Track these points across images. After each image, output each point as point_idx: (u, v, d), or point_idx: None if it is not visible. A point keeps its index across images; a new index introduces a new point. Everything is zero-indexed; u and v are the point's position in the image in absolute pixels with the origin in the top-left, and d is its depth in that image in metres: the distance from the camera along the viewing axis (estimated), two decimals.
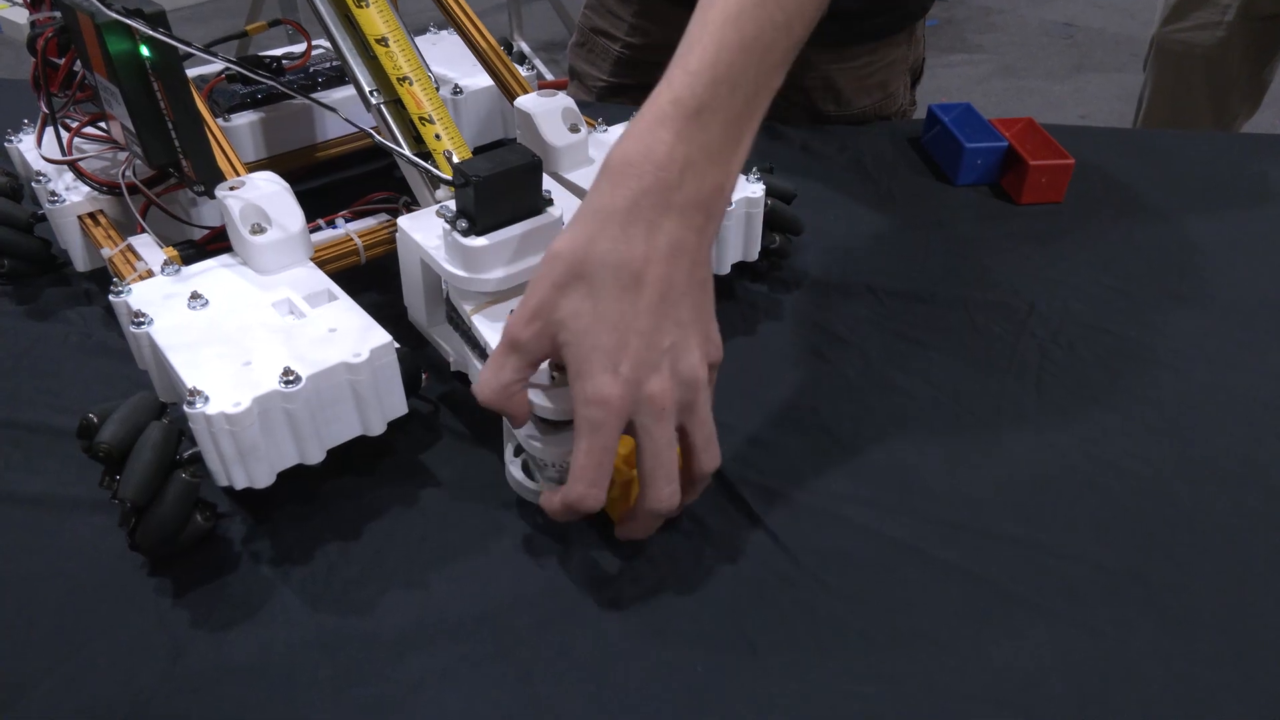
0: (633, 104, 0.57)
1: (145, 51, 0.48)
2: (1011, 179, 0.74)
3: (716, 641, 0.42)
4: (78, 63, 0.55)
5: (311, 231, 0.54)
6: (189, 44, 0.48)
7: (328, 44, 0.61)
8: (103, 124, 0.58)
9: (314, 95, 0.60)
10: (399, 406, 0.48)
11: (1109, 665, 0.41)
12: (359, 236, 0.56)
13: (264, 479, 0.44)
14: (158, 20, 0.47)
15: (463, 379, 0.53)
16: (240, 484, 0.44)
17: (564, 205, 0.49)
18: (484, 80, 0.70)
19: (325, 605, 0.43)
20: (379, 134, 0.53)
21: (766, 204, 0.60)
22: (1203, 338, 0.60)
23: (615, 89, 0.92)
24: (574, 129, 0.60)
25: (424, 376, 0.53)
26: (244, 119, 0.63)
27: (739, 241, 0.60)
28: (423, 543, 0.46)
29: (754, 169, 0.60)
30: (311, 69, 0.69)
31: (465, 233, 0.45)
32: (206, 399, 0.42)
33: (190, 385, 0.42)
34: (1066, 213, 0.73)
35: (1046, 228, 0.71)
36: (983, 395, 0.55)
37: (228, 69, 0.60)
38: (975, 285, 0.65)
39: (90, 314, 0.61)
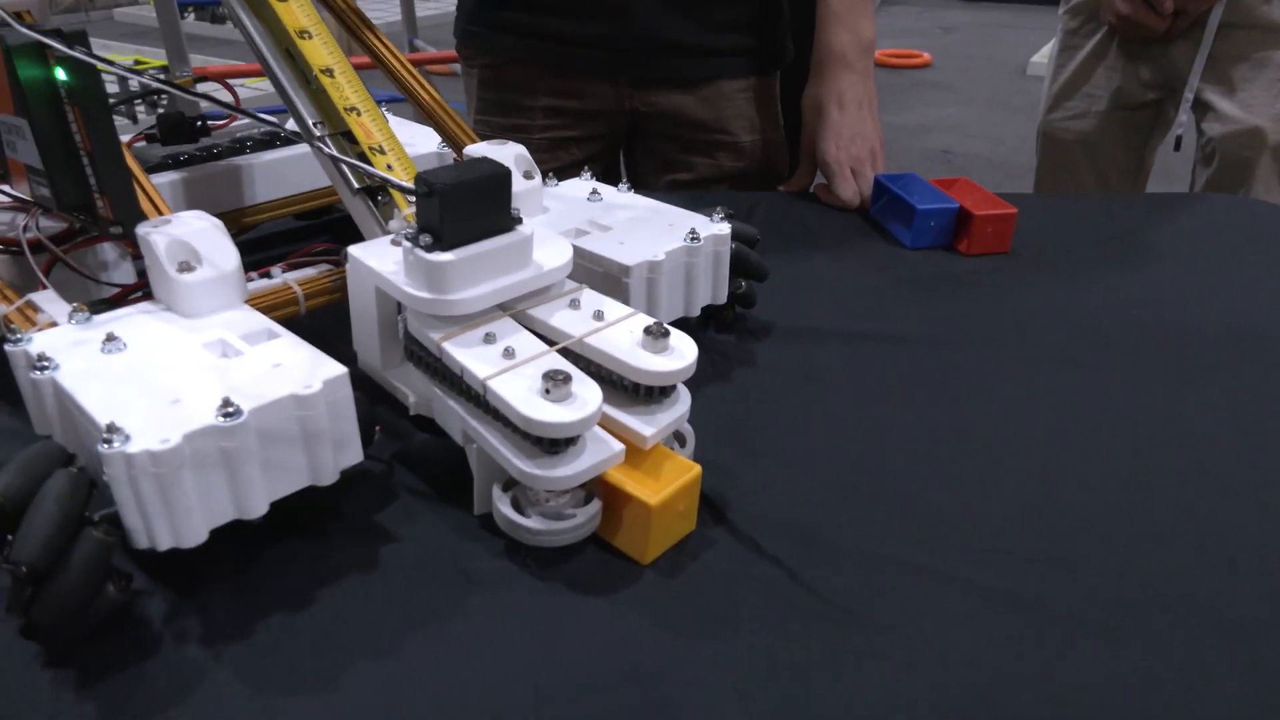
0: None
1: (62, 75, 0.43)
2: (960, 233, 0.74)
3: (750, 687, 0.36)
4: None
5: None
6: (111, 63, 0.44)
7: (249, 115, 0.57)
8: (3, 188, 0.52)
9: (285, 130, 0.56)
10: (354, 451, 0.42)
11: (1186, 681, 0.36)
12: (299, 285, 0.51)
13: (194, 536, 0.37)
14: (76, 40, 0.43)
15: (423, 424, 0.47)
16: (164, 543, 0.36)
17: (534, 228, 0.45)
18: (426, 147, 0.67)
19: (271, 685, 0.36)
20: (325, 169, 0.48)
21: (731, 246, 0.57)
22: (1206, 358, 0.59)
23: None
24: (527, 175, 0.57)
25: (378, 429, 0.46)
26: (165, 179, 0.58)
27: (708, 284, 0.57)
28: (388, 606, 0.39)
29: (718, 210, 0.58)
30: (239, 134, 0.65)
31: (429, 248, 0.41)
32: (127, 437, 0.35)
33: (106, 422, 0.35)
34: (1016, 263, 0.73)
35: (1004, 275, 0.71)
36: (980, 426, 0.52)
37: (148, 128, 0.56)
38: (946, 328, 0.63)
39: None
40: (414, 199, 0.42)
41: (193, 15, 4.34)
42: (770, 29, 0.89)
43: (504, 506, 0.41)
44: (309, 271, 0.52)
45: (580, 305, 0.45)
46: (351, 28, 0.62)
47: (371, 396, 0.48)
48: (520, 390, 0.39)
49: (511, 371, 0.40)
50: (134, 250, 0.50)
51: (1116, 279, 0.71)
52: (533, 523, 0.40)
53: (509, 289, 0.43)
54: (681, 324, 0.61)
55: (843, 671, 0.36)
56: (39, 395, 0.41)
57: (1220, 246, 0.78)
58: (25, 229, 0.51)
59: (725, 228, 0.56)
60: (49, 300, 0.48)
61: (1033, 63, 4.05)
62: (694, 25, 0.84)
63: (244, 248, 0.50)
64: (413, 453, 0.49)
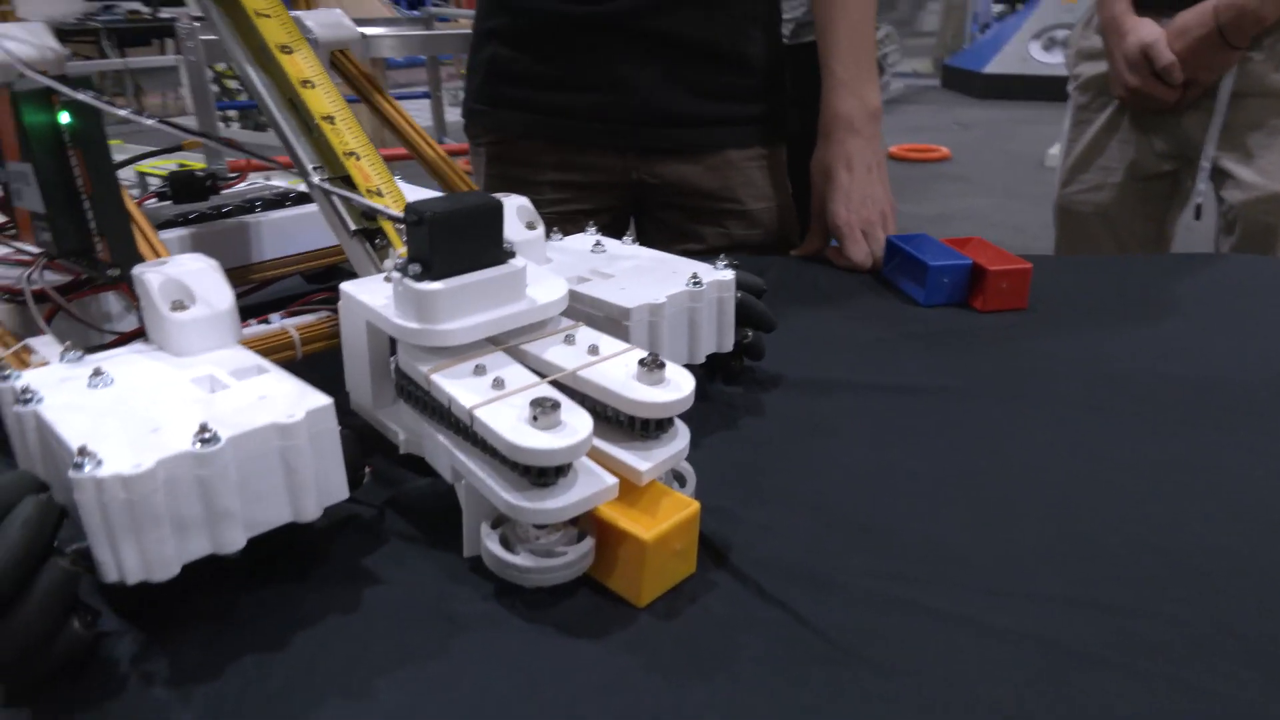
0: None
1: (66, 119, 0.44)
2: (974, 290, 0.73)
3: None
4: None
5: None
6: (114, 105, 0.45)
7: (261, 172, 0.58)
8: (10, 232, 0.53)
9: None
10: (338, 487, 0.40)
11: None
12: (296, 330, 0.50)
13: (165, 569, 0.35)
14: (82, 85, 0.44)
15: (419, 469, 0.46)
16: (134, 576, 0.35)
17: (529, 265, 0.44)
18: None
19: None
20: (324, 211, 0.48)
21: (736, 295, 0.57)
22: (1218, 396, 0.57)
23: None
24: (530, 226, 0.57)
25: (367, 471, 0.45)
26: (173, 234, 0.59)
27: (711, 330, 0.55)
28: (366, 649, 0.37)
29: (721, 257, 0.57)
30: (250, 195, 0.66)
31: (418, 278, 0.40)
32: (99, 461, 0.34)
33: (78, 445, 0.34)
34: (1033, 318, 0.71)
35: (1020, 329, 0.69)
36: (996, 470, 0.50)
37: (159, 187, 0.56)
38: (960, 378, 0.61)
39: None
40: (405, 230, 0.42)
41: (236, 124, 4.52)
42: (773, 98, 0.91)
43: (492, 544, 0.39)
44: (307, 318, 0.52)
45: (575, 341, 0.44)
46: (364, 91, 0.63)
47: (364, 440, 0.47)
48: (508, 418, 0.38)
49: (500, 401, 0.39)
50: (134, 299, 0.50)
51: (1137, 331, 0.69)
52: (521, 560, 0.38)
53: (500, 322, 0.42)
54: None
55: (848, 714, 0.34)
56: (22, 430, 0.40)
57: (1244, 301, 0.76)
58: (29, 279, 0.51)
59: (729, 274, 0.55)
60: (46, 344, 0.48)
61: (1050, 155, 4.10)
62: (697, 96, 0.86)
63: (251, 310, 0.50)
64: (405, 499, 0.47)
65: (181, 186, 0.61)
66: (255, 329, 0.50)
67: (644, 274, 0.56)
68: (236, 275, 0.62)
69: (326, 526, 0.45)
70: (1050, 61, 6.11)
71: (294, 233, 0.64)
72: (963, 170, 4.17)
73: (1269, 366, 0.63)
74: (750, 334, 0.59)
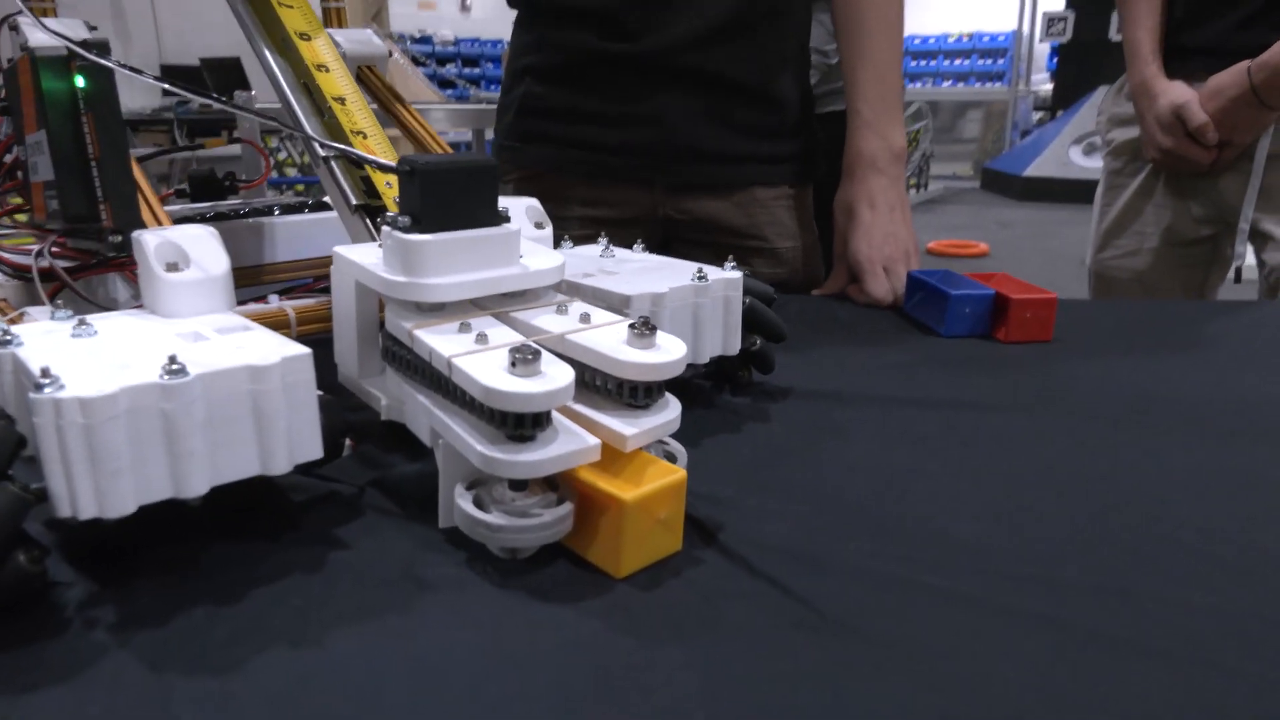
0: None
1: (81, 82, 0.45)
2: (997, 322, 0.71)
3: (721, 691, 0.30)
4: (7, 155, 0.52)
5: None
6: (141, 71, 0.46)
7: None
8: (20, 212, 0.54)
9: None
10: (311, 444, 0.39)
11: (1265, 708, 0.29)
12: (293, 310, 0.50)
13: (120, 505, 0.34)
14: (101, 49, 0.45)
15: (403, 449, 0.44)
16: (87, 510, 0.33)
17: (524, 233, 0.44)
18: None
19: (174, 668, 0.31)
20: (327, 182, 0.48)
21: (745, 300, 0.55)
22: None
23: None
24: (539, 225, 0.57)
25: (349, 445, 0.43)
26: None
27: (717, 330, 0.54)
28: (324, 606, 0.35)
29: (729, 259, 0.56)
30: (269, 203, 0.66)
31: (407, 230, 0.40)
32: (61, 385, 0.33)
33: (40, 367, 0.33)
34: (1059, 348, 0.69)
35: (1045, 357, 0.66)
36: (1017, 471, 0.47)
37: (178, 185, 0.57)
38: (975, 395, 0.58)
39: None
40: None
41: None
42: (802, 138, 0.91)
43: (464, 503, 0.37)
44: (306, 300, 0.51)
45: (567, 311, 0.43)
46: (386, 103, 0.64)
47: (348, 414, 0.46)
48: (487, 365, 0.36)
49: (480, 353, 0.38)
50: (133, 276, 0.51)
51: (1169, 359, 0.66)
52: (493, 518, 0.36)
53: (489, 283, 0.41)
54: (689, 385, 0.59)
55: (832, 681, 0.30)
56: (0, 373, 0.39)
57: None
58: (38, 255, 0.51)
59: (737, 274, 0.54)
60: (42, 313, 0.48)
61: None
62: (727, 132, 0.86)
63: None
64: (388, 480, 0.46)
65: (201, 185, 0.62)
66: (252, 307, 0.49)
67: (649, 271, 0.55)
68: (249, 275, 0.62)
69: (304, 501, 0.44)
70: (1090, 165, 6.15)
71: (309, 237, 0.64)
72: (1001, 265, 4.15)
73: None
74: (759, 342, 0.58)
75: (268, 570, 0.37)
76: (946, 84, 8.33)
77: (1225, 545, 0.40)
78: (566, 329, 0.41)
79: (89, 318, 0.42)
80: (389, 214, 0.41)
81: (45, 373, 0.33)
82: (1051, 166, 6.25)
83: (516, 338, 0.39)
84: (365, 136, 0.49)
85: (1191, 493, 0.45)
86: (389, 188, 0.48)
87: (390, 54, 0.62)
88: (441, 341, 0.38)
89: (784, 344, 0.58)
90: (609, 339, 0.40)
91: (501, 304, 0.43)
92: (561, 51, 0.86)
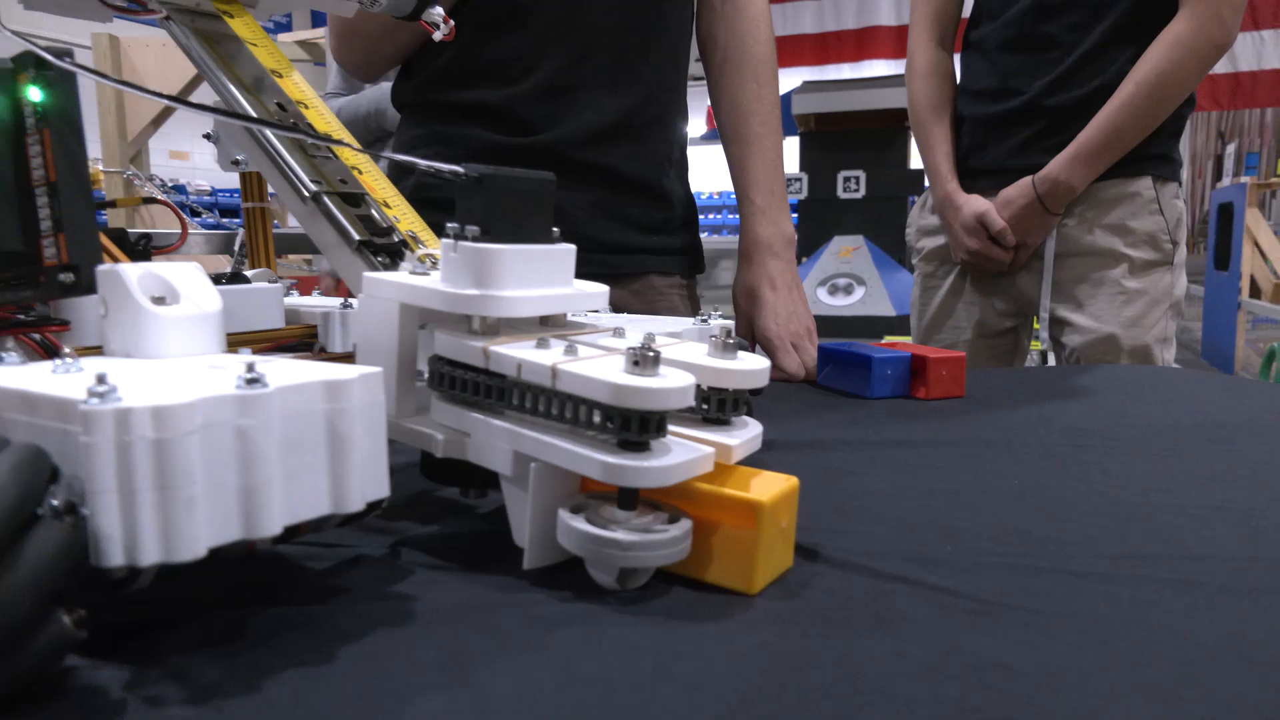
0: None
1: (36, 96, 0.39)
2: (917, 382, 0.75)
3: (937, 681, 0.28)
4: None
5: None
6: (111, 78, 0.40)
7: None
8: None
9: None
10: (380, 480, 0.33)
11: None
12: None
13: (192, 544, 0.27)
14: (65, 57, 0.39)
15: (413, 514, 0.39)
16: (150, 554, 0.27)
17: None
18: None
19: None
20: (319, 222, 0.44)
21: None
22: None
23: None
24: None
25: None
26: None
27: None
28: (460, 654, 0.29)
29: (715, 309, 0.56)
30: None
31: (477, 239, 0.37)
32: (119, 397, 0.27)
33: (95, 374, 0.27)
34: (977, 402, 0.74)
35: (975, 406, 0.71)
36: (1031, 486, 0.49)
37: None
38: (950, 433, 0.61)
39: None
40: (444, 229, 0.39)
41: None
42: (690, 233, 0.95)
43: (579, 524, 0.33)
44: (285, 355, 0.45)
45: (625, 335, 0.41)
46: None
47: None
48: (604, 368, 0.33)
49: (585, 360, 0.35)
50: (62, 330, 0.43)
51: (1072, 402, 0.73)
52: (623, 535, 0.33)
53: (554, 301, 0.39)
54: None
55: (1035, 654, 0.29)
56: None
57: (1141, 388, 0.82)
58: None
59: (729, 322, 0.54)
60: None
61: None
62: (621, 224, 0.88)
63: None
64: (414, 541, 0.40)
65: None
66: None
67: (635, 323, 0.54)
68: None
69: (327, 567, 0.37)
70: (836, 304, 6.86)
71: (237, 311, 0.57)
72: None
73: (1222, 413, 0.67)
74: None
75: (345, 627, 0.31)
76: (704, 235, 9.05)
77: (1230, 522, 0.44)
78: (634, 346, 0.39)
79: (57, 364, 0.34)
80: (451, 225, 0.37)
81: (102, 379, 0.26)
82: None
83: (602, 350, 0.37)
84: (361, 172, 0.45)
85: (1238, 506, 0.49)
86: (396, 221, 0.44)
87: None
88: (532, 354, 0.35)
89: None
90: (695, 352, 0.39)
91: (559, 327, 0.40)
92: (457, 145, 0.85)
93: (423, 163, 0.38)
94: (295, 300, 0.62)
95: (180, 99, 0.39)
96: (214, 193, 7.81)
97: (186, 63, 0.49)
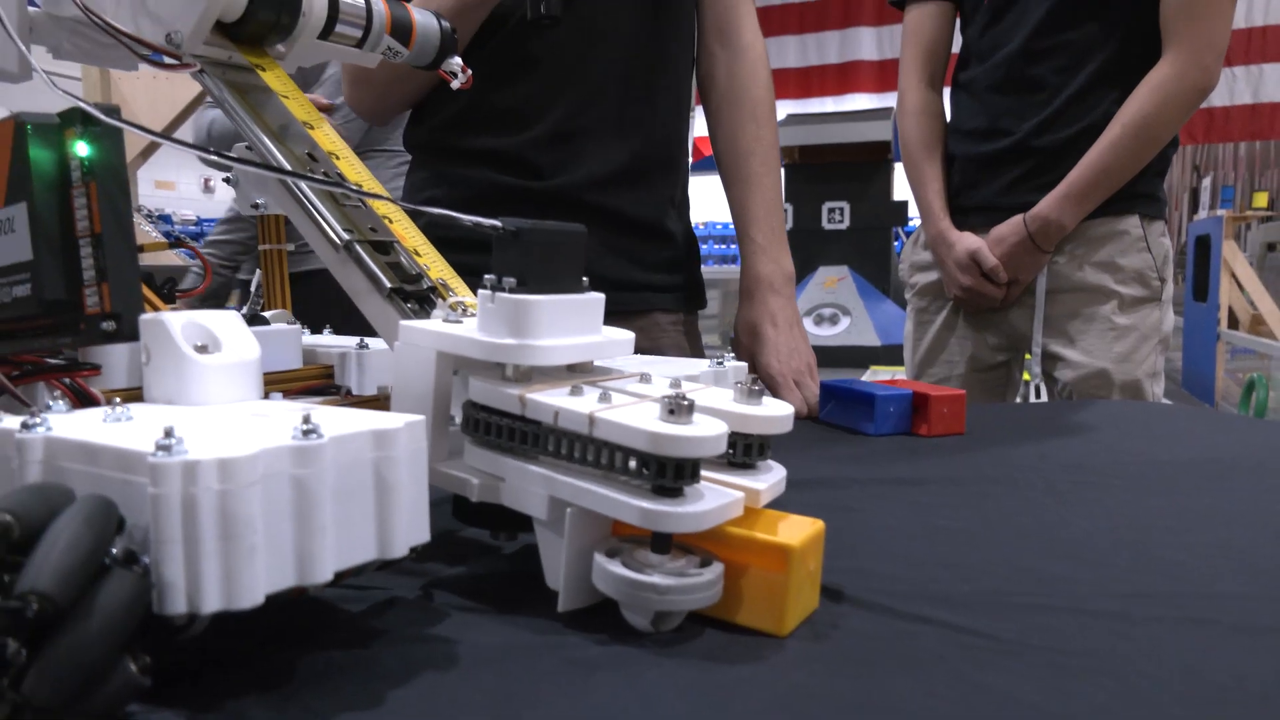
0: None
1: (84, 150, 0.40)
2: (918, 419, 0.77)
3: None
4: None
5: None
6: (154, 132, 0.41)
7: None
8: None
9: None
10: (422, 526, 0.34)
11: None
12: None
13: (251, 592, 0.28)
14: (113, 114, 0.40)
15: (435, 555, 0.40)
16: (211, 602, 0.28)
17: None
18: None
19: None
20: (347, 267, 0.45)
21: None
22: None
23: None
24: None
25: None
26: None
27: None
28: (511, 698, 0.30)
29: (728, 351, 0.58)
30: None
31: (514, 290, 0.38)
32: (184, 449, 0.28)
33: (163, 427, 0.28)
34: (978, 439, 0.75)
35: (976, 443, 0.72)
36: (1040, 524, 0.50)
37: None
38: (958, 471, 0.62)
39: None
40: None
41: None
42: (691, 271, 0.96)
43: (615, 568, 0.34)
44: (314, 399, 0.46)
45: (652, 381, 0.42)
46: None
47: None
48: (638, 414, 0.35)
49: (620, 408, 0.36)
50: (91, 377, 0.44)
51: (1071, 439, 0.74)
52: (659, 579, 0.34)
53: (585, 349, 0.40)
54: None
55: (1062, 697, 0.31)
56: (23, 463, 0.32)
57: (1139, 424, 0.84)
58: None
59: (742, 364, 0.56)
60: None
61: None
62: (626, 263, 0.90)
63: None
64: (440, 584, 0.41)
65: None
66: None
67: (649, 365, 0.55)
68: None
69: (364, 609, 0.38)
70: (822, 333, 6.90)
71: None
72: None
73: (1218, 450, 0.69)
74: None
75: (391, 669, 0.32)
76: None
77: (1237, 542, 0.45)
78: (668, 394, 0.40)
79: (103, 412, 0.35)
80: (488, 276, 0.39)
81: (169, 433, 0.28)
82: None
83: (634, 397, 0.38)
84: (392, 221, 0.47)
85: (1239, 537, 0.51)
86: (426, 269, 0.46)
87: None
88: (568, 401, 0.36)
89: None
90: (720, 398, 0.40)
91: (590, 373, 0.41)
92: (466, 185, 0.87)
93: (465, 217, 0.39)
94: (310, 340, 0.63)
95: (241, 159, 0.40)
96: (199, 222, 7.83)
97: (176, 95, 0.51)
